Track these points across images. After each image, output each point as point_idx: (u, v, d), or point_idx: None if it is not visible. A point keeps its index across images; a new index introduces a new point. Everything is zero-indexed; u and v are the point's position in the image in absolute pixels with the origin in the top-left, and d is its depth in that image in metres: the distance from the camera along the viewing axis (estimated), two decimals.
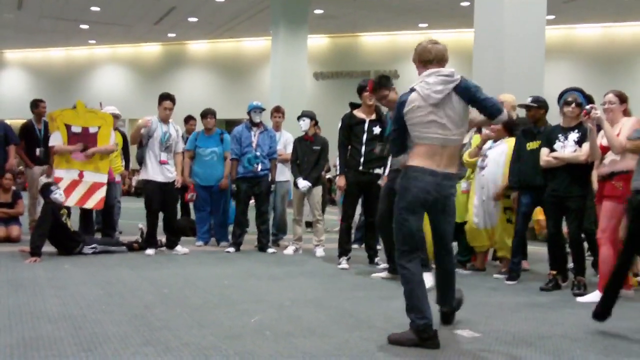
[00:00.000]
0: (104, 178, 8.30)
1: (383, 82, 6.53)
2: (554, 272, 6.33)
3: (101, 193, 8.25)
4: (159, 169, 7.97)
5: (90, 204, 8.23)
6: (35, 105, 9.81)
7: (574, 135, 6.15)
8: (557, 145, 6.23)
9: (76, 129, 8.26)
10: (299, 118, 8.51)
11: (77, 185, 8.12)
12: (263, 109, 8.67)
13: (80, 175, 8.19)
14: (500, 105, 4.31)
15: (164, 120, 8.12)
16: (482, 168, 7.02)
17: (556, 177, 6.27)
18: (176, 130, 8.19)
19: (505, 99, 7.56)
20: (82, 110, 8.41)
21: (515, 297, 5.95)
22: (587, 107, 5.63)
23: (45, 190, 7.73)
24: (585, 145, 6.01)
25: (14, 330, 4.26)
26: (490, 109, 4.25)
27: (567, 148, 6.17)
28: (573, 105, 6.18)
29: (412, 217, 4.20)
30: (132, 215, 11.98)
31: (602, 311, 4.65)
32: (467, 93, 4.19)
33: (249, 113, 8.57)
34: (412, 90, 4.23)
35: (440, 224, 4.37)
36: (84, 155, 8.19)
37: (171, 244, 8.18)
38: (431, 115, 4.14)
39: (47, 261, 7.14)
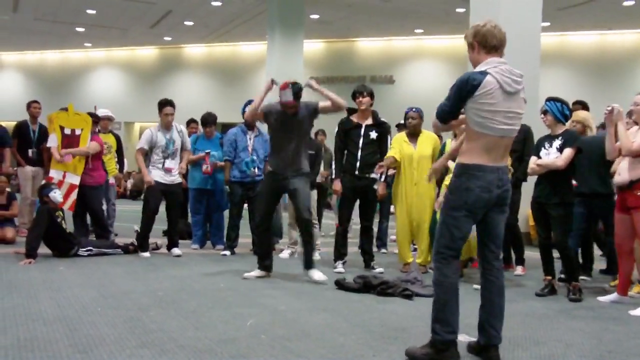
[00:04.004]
0: (77, 180, 8.37)
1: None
2: (549, 277, 6.34)
3: (74, 195, 8.33)
4: (161, 173, 8.02)
5: (66, 206, 8.28)
6: (28, 106, 9.89)
7: (557, 143, 6.21)
8: (542, 152, 6.31)
9: (67, 131, 8.45)
10: None
11: (61, 186, 8.17)
12: None
13: (64, 176, 8.30)
14: None
15: (166, 126, 8.11)
16: None
17: (539, 184, 6.38)
18: (179, 132, 8.20)
19: None
20: (71, 113, 8.58)
21: (511, 302, 5.92)
22: (613, 105, 5.79)
23: (45, 188, 7.75)
24: (566, 151, 6.08)
25: (8, 331, 4.24)
26: None
27: (550, 155, 6.23)
28: (542, 115, 6.38)
29: (469, 219, 3.91)
30: (128, 218, 11.98)
31: None
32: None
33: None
34: (485, 73, 3.84)
35: (498, 223, 4.03)
36: (65, 157, 8.29)
37: (172, 244, 8.21)
38: (503, 103, 3.84)
39: (42, 263, 7.13)
